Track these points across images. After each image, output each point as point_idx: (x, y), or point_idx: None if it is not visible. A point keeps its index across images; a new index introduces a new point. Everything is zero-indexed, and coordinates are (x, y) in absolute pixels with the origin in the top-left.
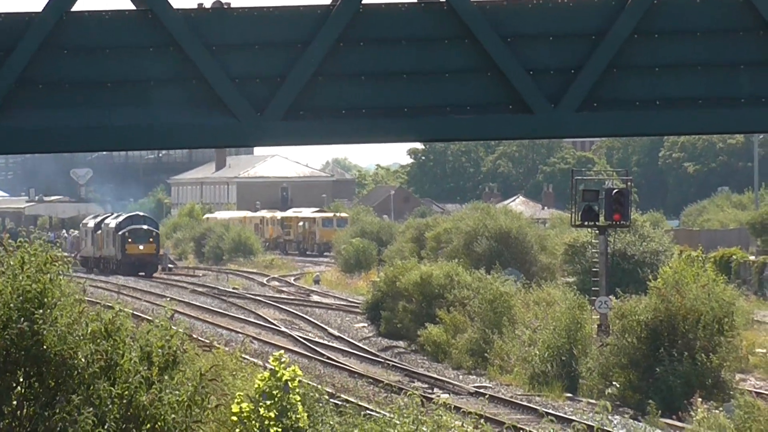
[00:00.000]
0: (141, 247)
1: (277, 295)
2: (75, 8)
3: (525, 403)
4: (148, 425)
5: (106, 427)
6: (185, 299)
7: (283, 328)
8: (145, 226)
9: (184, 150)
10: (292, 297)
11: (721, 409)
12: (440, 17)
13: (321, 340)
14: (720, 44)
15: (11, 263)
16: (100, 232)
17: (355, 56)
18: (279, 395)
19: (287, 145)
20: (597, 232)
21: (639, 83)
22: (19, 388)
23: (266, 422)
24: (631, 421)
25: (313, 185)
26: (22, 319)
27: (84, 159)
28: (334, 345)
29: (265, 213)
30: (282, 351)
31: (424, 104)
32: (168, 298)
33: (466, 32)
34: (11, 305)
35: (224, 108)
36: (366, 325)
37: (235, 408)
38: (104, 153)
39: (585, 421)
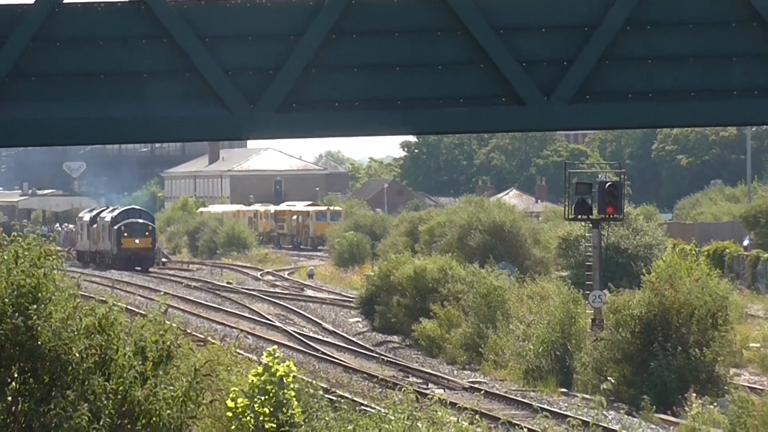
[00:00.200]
0: (137, 241)
1: (271, 290)
2: (67, 0)
3: (520, 399)
4: (143, 420)
5: (101, 423)
6: (179, 294)
7: (277, 323)
8: (141, 220)
9: (177, 143)
10: (286, 291)
11: (715, 404)
12: (433, 9)
13: (315, 335)
14: (713, 36)
15: (5, 257)
16: (95, 226)
17: (348, 48)
18: (274, 390)
19: (281, 138)
20: (590, 225)
21: (632, 75)
22: (13, 383)
23: (261, 418)
24: (626, 416)
25: (307, 178)
26: (17, 314)
27: (77, 152)
28: (328, 340)
29: (258, 207)
30: (276, 346)
31: (418, 96)
32: (162, 293)
33: (459, 24)
34: (5, 300)
35: (217, 100)
36: (360, 319)
37: (230, 403)
38: (97, 146)
39: (580, 417)
